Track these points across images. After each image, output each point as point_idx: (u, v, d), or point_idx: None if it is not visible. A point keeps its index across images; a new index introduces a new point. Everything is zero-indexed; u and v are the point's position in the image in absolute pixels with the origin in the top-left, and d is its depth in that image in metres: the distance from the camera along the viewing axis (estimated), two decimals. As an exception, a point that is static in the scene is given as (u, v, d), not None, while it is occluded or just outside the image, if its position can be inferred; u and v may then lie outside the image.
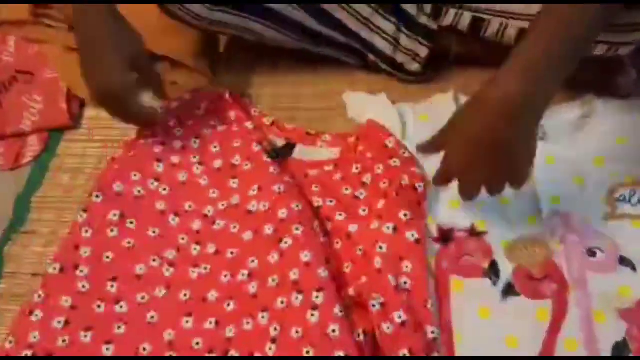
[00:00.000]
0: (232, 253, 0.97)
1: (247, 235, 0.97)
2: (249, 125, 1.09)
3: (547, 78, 0.81)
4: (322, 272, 0.89)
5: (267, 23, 1.12)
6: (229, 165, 1.05)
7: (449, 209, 0.97)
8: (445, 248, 0.94)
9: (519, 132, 0.83)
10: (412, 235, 0.93)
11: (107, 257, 0.96)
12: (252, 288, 0.92)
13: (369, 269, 0.90)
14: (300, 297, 0.88)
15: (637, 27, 0.91)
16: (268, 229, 0.96)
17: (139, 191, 1.02)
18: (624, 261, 0.90)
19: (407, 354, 0.83)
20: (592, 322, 0.85)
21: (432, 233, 0.96)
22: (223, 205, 1.02)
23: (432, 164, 1.01)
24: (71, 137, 1.18)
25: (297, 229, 0.93)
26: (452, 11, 1.10)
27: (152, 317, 0.92)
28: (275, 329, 0.87)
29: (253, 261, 0.95)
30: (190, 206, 1.02)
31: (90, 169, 1.12)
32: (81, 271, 0.94)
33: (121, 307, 0.93)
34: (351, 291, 0.89)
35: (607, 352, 0.84)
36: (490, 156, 0.84)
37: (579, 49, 0.81)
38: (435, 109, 1.10)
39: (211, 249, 0.98)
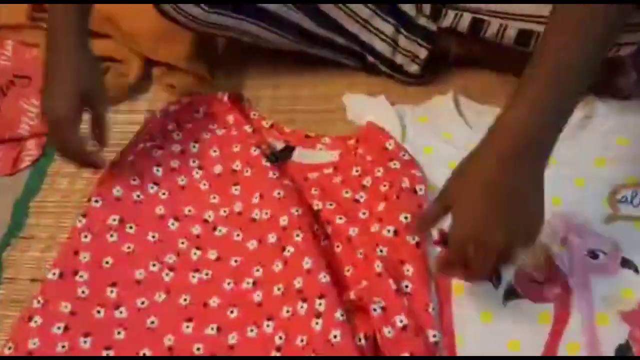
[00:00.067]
0: (236, 261, 0.96)
1: (252, 244, 0.97)
2: (247, 128, 1.09)
3: (556, 115, 0.77)
4: (323, 278, 0.88)
5: (264, 25, 1.12)
6: (229, 170, 1.05)
7: (449, 211, 0.96)
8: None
9: (533, 177, 0.77)
10: (413, 238, 0.92)
11: (107, 262, 0.96)
12: (257, 297, 0.92)
13: (369, 273, 0.90)
14: (305, 305, 0.88)
15: (639, 27, 0.91)
16: (272, 237, 0.96)
17: (138, 196, 1.02)
18: (626, 263, 0.89)
19: (409, 358, 0.83)
20: (595, 325, 0.85)
21: (433, 236, 0.95)
22: (225, 211, 1.01)
23: (432, 167, 1.01)
24: (70, 141, 1.18)
25: (297, 235, 0.93)
26: (452, 12, 1.10)
27: (152, 322, 0.92)
28: (281, 338, 0.87)
29: (258, 270, 0.94)
30: (190, 210, 1.01)
31: (88, 174, 1.11)
32: (81, 276, 0.94)
33: (121, 312, 0.92)
34: (352, 295, 0.89)
35: (610, 355, 0.83)
36: (508, 205, 0.76)
37: (584, 83, 0.78)
38: (435, 111, 1.09)
39: (212, 254, 0.97)
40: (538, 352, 0.84)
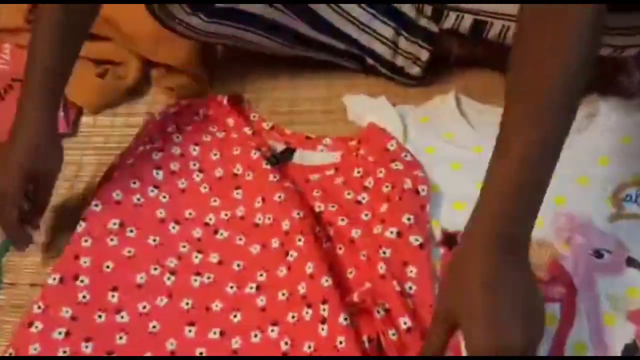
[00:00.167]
0: (238, 265, 0.96)
1: (255, 249, 0.97)
2: (247, 130, 1.08)
3: (533, 203, 0.73)
4: (325, 282, 0.88)
5: (263, 33, 1.12)
6: (230, 174, 1.04)
7: (453, 211, 0.96)
8: (450, 252, 0.93)
9: (523, 265, 0.72)
10: (416, 239, 0.92)
11: (107, 267, 0.95)
12: (261, 301, 0.91)
13: (372, 275, 0.90)
14: (310, 311, 0.87)
15: None
16: (275, 242, 0.95)
17: (138, 199, 1.01)
18: (631, 262, 0.89)
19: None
20: (601, 325, 0.84)
21: (436, 237, 0.95)
22: (226, 215, 1.01)
23: (434, 167, 1.01)
24: (68, 145, 1.16)
25: (299, 240, 0.93)
26: (453, 14, 1.09)
27: (154, 327, 0.91)
28: (287, 343, 0.86)
29: (261, 275, 0.94)
30: (190, 214, 1.01)
31: (88, 177, 1.10)
32: (81, 281, 0.93)
33: (122, 317, 0.92)
34: (355, 297, 0.88)
35: (617, 355, 0.83)
36: (513, 301, 0.69)
37: (555, 160, 0.74)
38: (437, 111, 1.09)
39: (214, 258, 0.97)
40: (544, 353, 0.84)
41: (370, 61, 1.17)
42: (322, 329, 0.85)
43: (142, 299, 0.93)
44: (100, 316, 0.91)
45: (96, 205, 0.99)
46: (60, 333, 0.89)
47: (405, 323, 0.84)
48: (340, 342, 0.83)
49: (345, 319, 0.84)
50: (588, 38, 0.72)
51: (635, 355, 0.82)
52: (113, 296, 0.93)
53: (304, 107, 1.18)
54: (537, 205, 0.72)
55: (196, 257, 0.97)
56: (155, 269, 0.95)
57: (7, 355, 0.88)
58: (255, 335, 0.89)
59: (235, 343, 0.89)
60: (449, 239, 0.94)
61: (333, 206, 0.98)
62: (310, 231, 0.94)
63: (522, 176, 0.71)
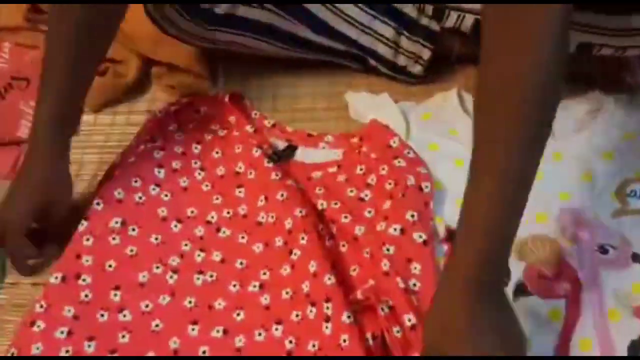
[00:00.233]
0: (241, 264, 0.95)
1: (258, 247, 0.96)
2: (249, 128, 1.08)
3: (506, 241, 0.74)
4: (328, 280, 0.88)
5: (264, 38, 1.12)
6: (232, 172, 1.04)
7: (456, 208, 0.95)
8: (453, 248, 0.93)
9: (502, 300, 0.75)
10: (420, 236, 0.92)
11: (110, 266, 0.94)
12: (265, 300, 0.91)
13: (376, 272, 0.89)
14: (314, 310, 0.87)
15: None
16: (278, 241, 0.95)
17: (140, 197, 1.00)
18: (636, 258, 0.89)
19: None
20: (607, 321, 0.84)
21: (440, 233, 0.94)
22: (229, 213, 1.00)
23: (438, 164, 1.00)
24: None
25: (302, 238, 0.93)
26: (454, 14, 1.09)
27: (157, 325, 0.90)
28: (291, 342, 0.86)
29: (265, 273, 0.94)
30: (192, 212, 1.00)
31: (89, 176, 1.10)
32: (83, 280, 0.93)
33: (125, 315, 0.91)
34: (359, 295, 0.88)
35: (623, 351, 0.82)
36: (494, 335, 0.71)
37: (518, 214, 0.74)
38: (440, 108, 1.09)
39: (217, 256, 0.96)
40: (549, 350, 0.84)
41: (372, 62, 1.17)
42: (326, 328, 0.85)
43: (145, 297, 0.92)
44: (102, 315, 0.91)
45: (98, 204, 0.99)
46: (62, 332, 0.89)
47: (409, 320, 0.84)
48: (344, 340, 0.82)
49: (349, 316, 0.84)
50: (557, 37, 0.72)
51: (641, 351, 0.82)
52: (115, 295, 0.92)
53: (306, 105, 1.17)
54: (512, 235, 0.74)
55: (199, 255, 0.96)
56: (158, 267, 0.95)
57: (9, 354, 0.87)
58: (260, 334, 0.88)
59: (239, 341, 0.88)
60: (453, 236, 0.94)
61: (336, 203, 0.98)
62: (313, 229, 0.93)
63: (494, 214, 0.72)
